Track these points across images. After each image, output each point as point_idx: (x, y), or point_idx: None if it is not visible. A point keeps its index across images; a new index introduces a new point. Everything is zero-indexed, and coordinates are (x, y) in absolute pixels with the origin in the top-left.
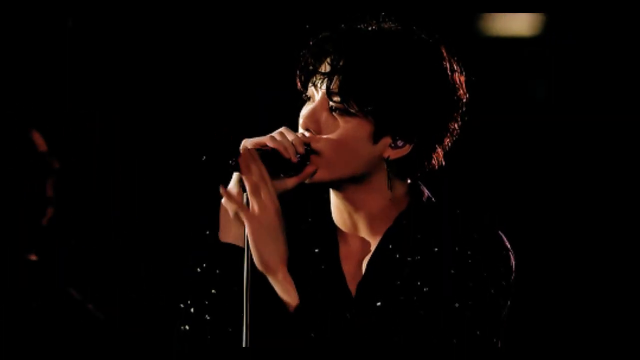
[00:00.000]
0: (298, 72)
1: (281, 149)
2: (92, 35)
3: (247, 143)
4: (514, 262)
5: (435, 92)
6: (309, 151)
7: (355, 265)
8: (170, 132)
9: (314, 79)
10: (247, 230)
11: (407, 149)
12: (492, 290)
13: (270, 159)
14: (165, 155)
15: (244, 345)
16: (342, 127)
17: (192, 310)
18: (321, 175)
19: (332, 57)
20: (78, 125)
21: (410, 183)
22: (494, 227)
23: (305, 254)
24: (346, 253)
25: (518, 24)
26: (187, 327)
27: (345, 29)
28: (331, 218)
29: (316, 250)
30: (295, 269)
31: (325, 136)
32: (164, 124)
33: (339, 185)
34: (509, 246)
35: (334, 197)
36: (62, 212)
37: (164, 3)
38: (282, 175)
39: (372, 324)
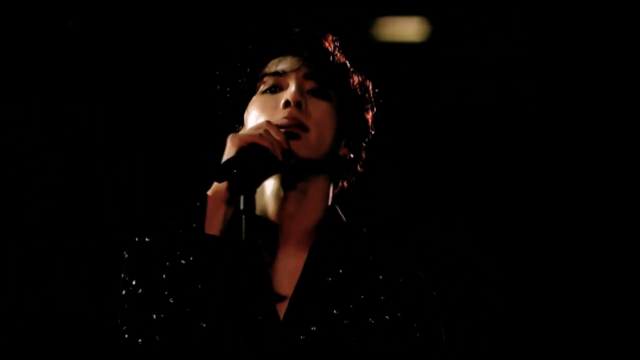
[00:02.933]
0: (267, 69)
1: (269, 147)
2: (92, 35)
3: (235, 138)
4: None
5: (370, 88)
6: (289, 151)
7: (283, 283)
8: (171, 132)
9: (282, 67)
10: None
11: (355, 151)
12: (424, 312)
13: (260, 155)
14: (165, 154)
15: None
16: (320, 106)
17: (170, 300)
18: (306, 152)
19: (309, 43)
20: (78, 125)
21: (330, 206)
22: (406, 247)
23: (232, 273)
24: (274, 269)
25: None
26: (161, 316)
27: (303, 30)
28: (255, 230)
29: (240, 265)
30: (228, 264)
31: (311, 115)
32: (164, 124)
33: (307, 166)
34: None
35: (263, 209)
36: (62, 211)
37: (164, 3)
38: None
39: (300, 349)
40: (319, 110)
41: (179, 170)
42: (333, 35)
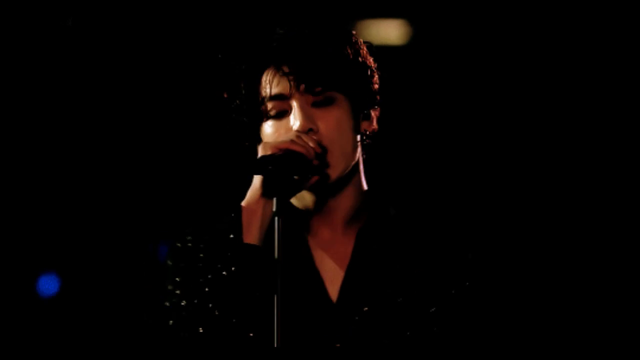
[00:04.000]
0: (263, 89)
1: (304, 151)
2: (92, 35)
3: (267, 146)
4: (482, 261)
5: (368, 60)
6: (323, 153)
7: (332, 269)
8: (172, 132)
9: (278, 90)
10: None
11: (373, 117)
12: (474, 295)
13: (293, 161)
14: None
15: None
16: (334, 114)
17: (216, 313)
18: (332, 174)
19: (294, 58)
20: (78, 125)
21: (367, 190)
22: (458, 232)
23: (279, 259)
24: (321, 258)
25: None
26: (207, 329)
27: (280, 37)
28: (297, 225)
29: (289, 256)
30: (271, 281)
31: (325, 129)
32: (164, 124)
33: (333, 185)
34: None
35: (304, 202)
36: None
37: (164, 3)
38: (301, 179)
39: (356, 329)
40: (331, 122)
41: (211, 174)
42: (311, 31)
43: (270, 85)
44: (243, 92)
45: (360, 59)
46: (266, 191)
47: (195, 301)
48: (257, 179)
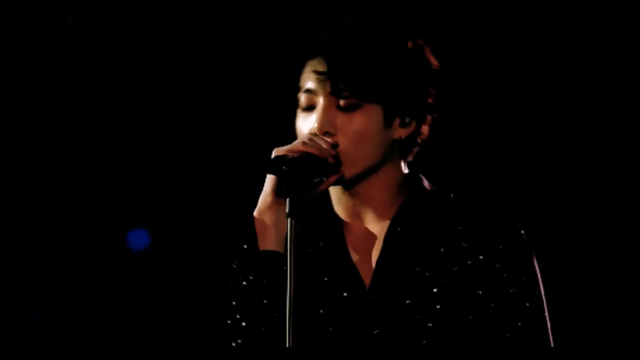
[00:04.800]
0: (288, 84)
1: (317, 152)
2: (92, 35)
3: (279, 151)
4: (526, 239)
5: (421, 66)
6: (337, 155)
7: (365, 255)
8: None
9: (311, 85)
10: None
11: (413, 124)
12: (517, 274)
13: (307, 163)
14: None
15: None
16: (356, 122)
17: (243, 324)
18: (347, 173)
19: (329, 58)
20: (78, 125)
21: (408, 172)
22: (500, 210)
23: (312, 248)
24: (353, 244)
25: None
26: (239, 342)
27: (325, 33)
28: (333, 210)
29: (321, 244)
30: (303, 264)
31: (344, 134)
32: (165, 124)
33: (356, 180)
34: (518, 226)
35: (337, 190)
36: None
37: (164, 3)
38: (318, 179)
39: (390, 315)
40: (352, 128)
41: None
42: (363, 30)
43: (304, 78)
44: (286, 77)
45: (405, 67)
46: (280, 192)
47: (224, 317)
48: (267, 185)
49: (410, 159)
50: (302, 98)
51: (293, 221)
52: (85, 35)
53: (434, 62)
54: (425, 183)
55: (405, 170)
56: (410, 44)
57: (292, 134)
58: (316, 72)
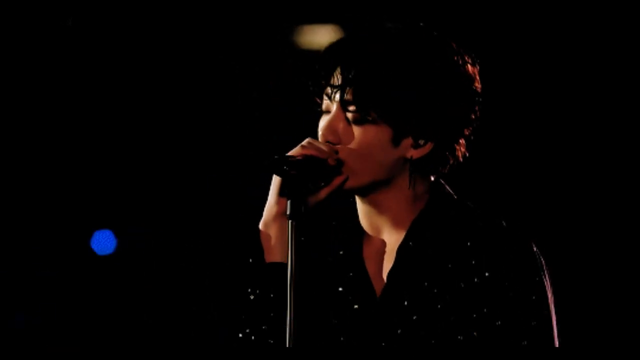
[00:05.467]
0: (310, 86)
1: (315, 153)
2: (92, 35)
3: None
4: (539, 258)
5: (450, 86)
6: (338, 158)
7: (378, 264)
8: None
9: (328, 91)
10: None
11: (430, 146)
12: (524, 292)
13: (308, 166)
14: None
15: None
16: (361, 136)
17: (253, 337)
18: (348, 183)
19: (342, 68)
20: (78, 126)
21: (432, 180)
22: (514, 226)
23: (332, 257)
24: (369, 253)
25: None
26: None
27: (350, 38)
28: (358, 221)
29: (341, 252)
30: (321, 272)
31: (346, 146)
32: (165, 124)
33: (364, 190)
34: (529, 241)
35: (358, 201)
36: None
37: (164, 2)
38: (321, 184)
39: (397, 329)
40: (357, 141)
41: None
42: (386, 38)
43: (329, 81)
44: (314, 77)
45: (429, 91)
46: (282, 193)
47: (234, 331)
48: (272, 197)
49: (431, 178)
50: (322, 100)
51: (294, 223)
52: (85, 36)
53: (476, 82)
54: (446, 191)
55: (425, 183)
56: (437, 65)
57: (292, 134)
58: (329, 85)
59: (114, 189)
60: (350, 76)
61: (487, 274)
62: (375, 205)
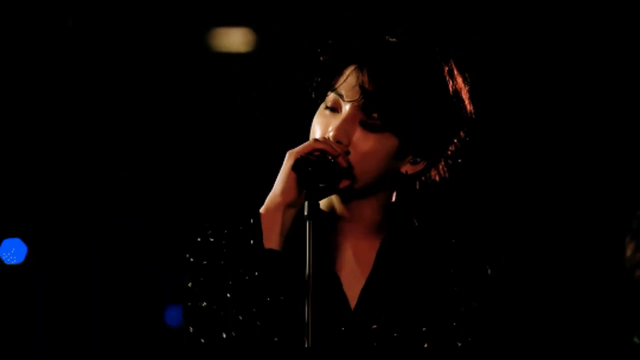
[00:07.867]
0: (319, 81)
1: (328, 148)
2: (92, 35)
3: (293, 151)
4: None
5: (455, 111)
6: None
7: (353, 276)
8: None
9: (345, 90)
10: None
11: (423, 164)
12: (492, 305)
13: (320, 163)
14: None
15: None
16: (372, 142)
17: (240, 317)
18: (350, 185)
19: (372, 73)
20: (78, 126)
21: (394, 202)
22: (486, 239)
23: (299, 261)
24: (342, 264)
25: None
26: (233, 334)
27: (371, 41)
28: (322, 228)
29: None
30: (290, 275)
31: (355, 149)
32: (165, 124)
33: (351, 195)
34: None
35: (332, 206)
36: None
37: (164, 3)
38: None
39: (371, 338)
40: (368, 146)
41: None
42: (411, 46)
43: (341, 79)
44: (323, 72)
45: (441, 116)
46: (300, 193)
47: (215, 307)
48: (277, 187)
49: (405, 191)
50: (331, 97)
51: (311, 223)
52: (85, 35)
53: (469, 107)
54: (409, 213)
55: (393, 199)
56: (452, 88)
57: (292, 134)
58: (360, 86)
59: (113, 188)
60: (383, 84)
61: (463, 285)
62: (352, 213)
